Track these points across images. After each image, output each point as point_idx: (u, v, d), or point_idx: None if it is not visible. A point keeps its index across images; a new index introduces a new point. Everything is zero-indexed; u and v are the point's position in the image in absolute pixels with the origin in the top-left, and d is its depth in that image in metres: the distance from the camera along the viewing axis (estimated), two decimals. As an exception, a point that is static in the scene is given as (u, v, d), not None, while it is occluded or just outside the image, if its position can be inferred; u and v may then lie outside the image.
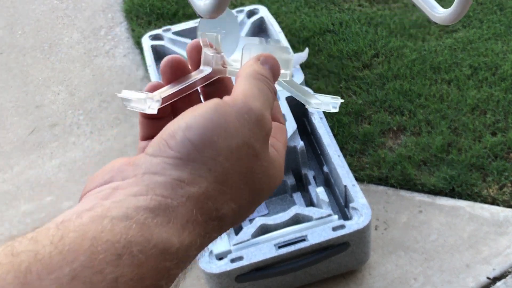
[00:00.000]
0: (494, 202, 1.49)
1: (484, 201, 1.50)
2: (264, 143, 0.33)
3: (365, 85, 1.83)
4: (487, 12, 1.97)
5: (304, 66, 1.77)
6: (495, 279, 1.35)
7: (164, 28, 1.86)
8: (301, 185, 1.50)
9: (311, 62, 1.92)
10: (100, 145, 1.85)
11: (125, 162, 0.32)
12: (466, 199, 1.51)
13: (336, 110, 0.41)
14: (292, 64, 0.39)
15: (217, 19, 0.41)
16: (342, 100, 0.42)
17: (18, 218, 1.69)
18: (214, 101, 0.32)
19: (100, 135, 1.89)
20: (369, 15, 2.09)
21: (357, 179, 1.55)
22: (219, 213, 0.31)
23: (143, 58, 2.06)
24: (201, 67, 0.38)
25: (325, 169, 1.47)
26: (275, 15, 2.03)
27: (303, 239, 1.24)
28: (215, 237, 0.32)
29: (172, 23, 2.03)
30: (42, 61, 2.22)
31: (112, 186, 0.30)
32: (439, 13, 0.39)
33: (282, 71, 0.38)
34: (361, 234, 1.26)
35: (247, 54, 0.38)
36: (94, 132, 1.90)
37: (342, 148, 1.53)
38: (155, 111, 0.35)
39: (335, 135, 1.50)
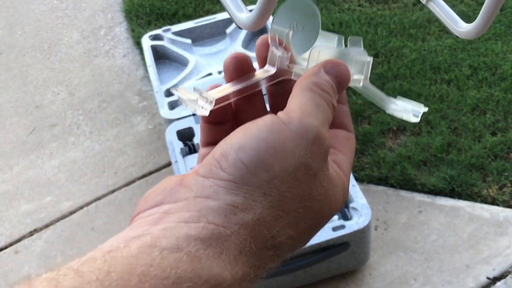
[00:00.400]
0: (494, 202, 1.49)
1: (484, 201, 1.50)
2: (323, 162, 0.31)
3: (365, 85, 1.83)
4: (487, 12, 1.97)
5: (304, 66, 1.77)
6: (495, 279, 1.35)
7: (164, 28, 1.86)
8: (301, 185, 1.50)
9: (311, 62, 1.92)
10: (99, 145, 1.85)
11: (177, 181, 0.30)
12: (466, 199, 1.51)
13: (417, 119, 0.36)
14: (369, 67, 0.36)
15: (295, 11, 0.37)
16: (426, 109, 0.37)
17: (18, 218, 1.69)
18: (269, 119, 0.30)
19: (99, 135, 1.89)
20: (369, 15, 2.09)
21: (357, 179, 1.55)
22: (275, 241, 0.29)
23: (143, 58, 2.06)
24: (266, 67, 0.35)
25: (325, 169, 1.46)
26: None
27: (303, 239, 1.23)
28: (271, 267, 0.30)
29: (172, 23, 2.03)
30: (42, 61, 2.22)
31: (162, 210, 0.29)
32: (462, 28, 0.39)
33: (355, 76, 0.35)
34: (361, 234, 1.26)
35: (315, 57, 0.35)
36: (94, 132, 1.90)
37: (342, 148, 1.53)
38: (206, 113, 0.32)
39: (335, 135, 1.50)
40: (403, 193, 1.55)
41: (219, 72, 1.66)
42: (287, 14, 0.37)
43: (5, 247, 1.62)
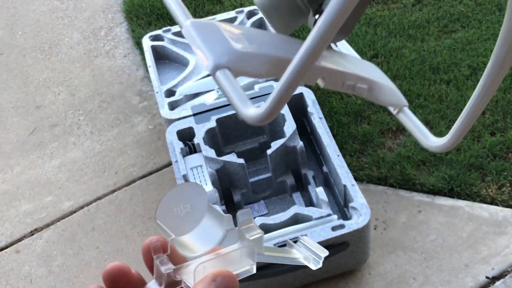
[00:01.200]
0: (493, 202, 1.50)
1: (483, 201, 1.50)
2: None
3: (364, 86, 1.83)
4: (486, 12, 1.98)
5: (303, 67, 1.77)
6: (494, 279, 1.36)
7: (164, 28, 1.87)
8: (301, 185, 1.51)
9: (311, 62, 1.92)
10: (100, 145, 1.86)
11: None
12: (465, 199, 1.52)
13: (320, 265, 0.37)
14: (262, 243, 0.35)
15: (181, 193, 0.37)
16: (327, 253, 0.38)
17: (18, 218, 1.69)
18: None
19: (100, 135, 1.89)
20: (369, 15, 2.09)
21: (356, 179, 1.55)
22: None
23: (143, 58, 2.07)
24: (152, 283, 0.35)
25: (325, 169, 1.47)
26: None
27: (302, 239, 1.24)
28: None
29: (172, 24, 2.03)
30: (42, 61, 2.22)
31: None
32: (433, 143, 0.39)
33: (246, 267, 0.36)
34: (361, 234, 1.26)
35: (201, 269, 0.34)
36: (94, 133, 1.90)
37: (341, 148, 1.54)
38: None
39: (334, 135, 1.51)
40: (403, 192, 1.56)
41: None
42: (172, 201, 0.37)
43: (6, 247, 1.63)
